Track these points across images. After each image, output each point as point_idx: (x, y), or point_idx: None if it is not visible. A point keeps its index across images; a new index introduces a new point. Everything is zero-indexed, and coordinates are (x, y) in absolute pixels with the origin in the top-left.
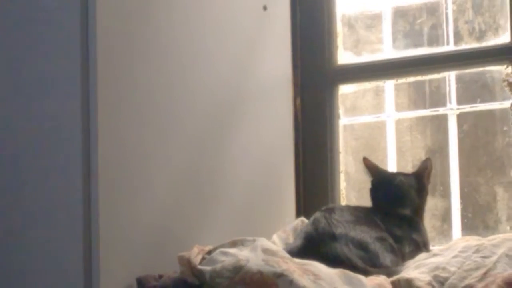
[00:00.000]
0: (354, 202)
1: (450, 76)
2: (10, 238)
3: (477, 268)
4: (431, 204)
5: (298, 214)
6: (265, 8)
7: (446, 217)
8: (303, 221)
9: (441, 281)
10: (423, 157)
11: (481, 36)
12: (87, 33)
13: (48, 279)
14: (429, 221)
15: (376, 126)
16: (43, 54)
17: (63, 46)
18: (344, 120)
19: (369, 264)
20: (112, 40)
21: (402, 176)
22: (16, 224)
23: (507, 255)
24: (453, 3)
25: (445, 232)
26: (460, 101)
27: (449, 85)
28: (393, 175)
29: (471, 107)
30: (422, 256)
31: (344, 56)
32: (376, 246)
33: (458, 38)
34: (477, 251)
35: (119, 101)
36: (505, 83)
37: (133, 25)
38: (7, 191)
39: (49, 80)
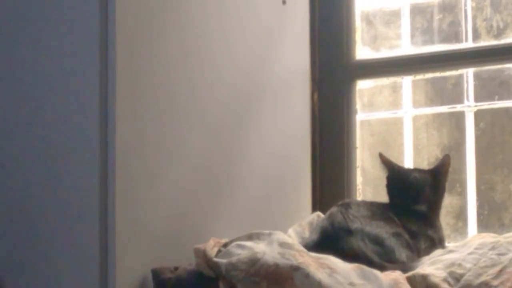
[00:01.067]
0: (370, 197)
1: (468, 73)
2: (26, 227)
3: (492, 265)
4: (446, 201)
5: (314, 208)
6: (284, 2)
7: (460, 214)
8: (319, 216)
9: (457, 278)
10: (439, 155)
11: (499, 33)
12: (106, 26)
13: (64, 269)
14: (443, 219)
15: (392, 123)
16: (62, 39)
17: (82, 36)
18: (360, 116)
19: (384, 259)
20: (130, 32)
21: (416, 173)
22: (32, 215)
23: None
24: (472, 0)
25: (459, 229)
26: (477, 99)
27: (467, 82)
28: (408, 171)
29: (488, 104)
30: (437, 252)
31: (362, 52)
32: (392, 242)
33: (476, 35)
34: (493, 248)
35: (137, 91)
36: None
37: (152, 18)
38: (23, 181)
39: (68, 71)
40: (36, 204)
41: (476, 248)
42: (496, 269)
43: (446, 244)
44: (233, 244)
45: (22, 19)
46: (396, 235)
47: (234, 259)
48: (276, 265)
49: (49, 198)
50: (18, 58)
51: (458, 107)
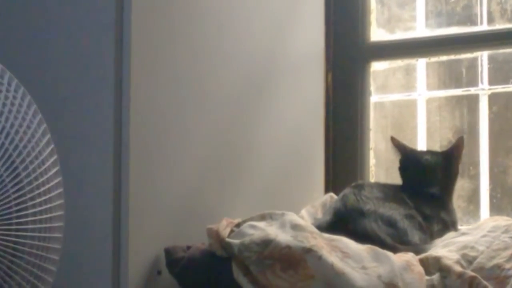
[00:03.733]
0: (383, 179)
1: (483, 56)
2: None
3: (505, 248)
4: (458, 184)
5: (327, 189)
6: None
7: (472, 198)
8: (332, 197)
9: (470, 260)
10: (451, 138)
11: None
12: (122, 3)
13: (78, 247)
14: (455, 202)
15: (405, 105)
16: (80, 16)
17: (98, 11)
18: (374, 98)
19: (397, 241)
20: (147, 7)
21: (429, 155)
22: None
23: None
24: None
25: (471, 212)
26: (491, 82)
27: (481, 65)
28: (420, 153)
29: (503, 87)
30: (450, 235)
31: (377, 33)
32: (404, 224)
33: (490, 19)
34: (506, 231)
35: (154, 65)
36: None
37: None
38: None
39: (83, 48)
40: None
41: (489, 231)
42: (509, 252)
43: (459, 226)
44: (246, 224)
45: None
46: (409, 217)
47: (246, 239)
48: (289, 247)
49: (62, 175)
50: (36, 33)
51: (472, 90)
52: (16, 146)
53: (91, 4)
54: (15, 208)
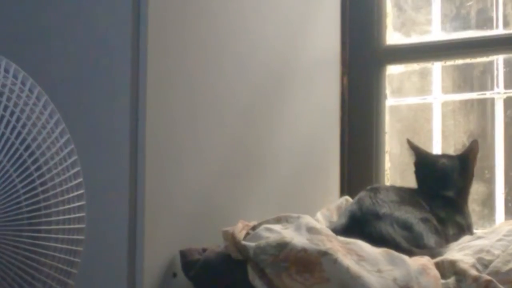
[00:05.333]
0: (398, 183)
1: (498, 60)
2: None
3: None
4: (472, 188)
5: (342, 192)
6: None
7: (487, 201)
8: (347, 200)
9: (485, 264)
10: (466, 141)
11: None
12: (138, 5)
13: (93, 250)
14: (470, 205)
15: (419, 109)
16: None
17: (115, 14)
18: (390, 101)
19: (413, 245)
20: (163, 6)
21: (444, 159)
22: None
23: None
24: None
25: (486, 216)
26: (507, 86)
27: (497, 69)
28: (436, 157)
29: None
30: (466, 238)
31: (393, 37)
32: (420, 227)
33: (505, 22)
34: None
35: (169, 69)
36: None
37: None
38: None
39: (99, 53)
40: None
41: (504, 235)
42: None
43: (474, 230)
44: (262, 227)
45: None
46: (425, 220)
47: (262, 242)
48: (305, 250)
49: None
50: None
51: (488, 94)
52: (36, 146)
53: (108, 7)
54: (26, 209)
